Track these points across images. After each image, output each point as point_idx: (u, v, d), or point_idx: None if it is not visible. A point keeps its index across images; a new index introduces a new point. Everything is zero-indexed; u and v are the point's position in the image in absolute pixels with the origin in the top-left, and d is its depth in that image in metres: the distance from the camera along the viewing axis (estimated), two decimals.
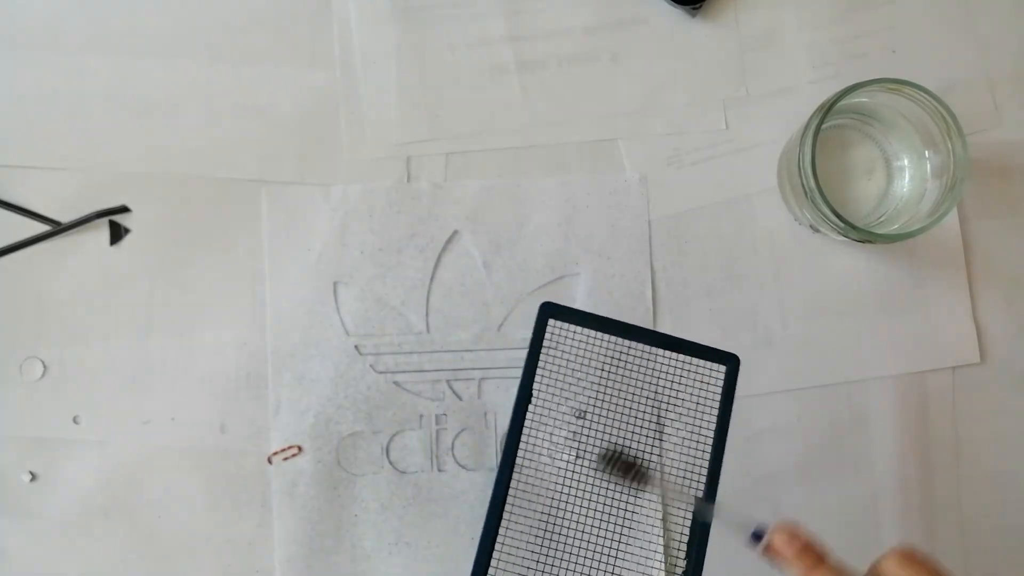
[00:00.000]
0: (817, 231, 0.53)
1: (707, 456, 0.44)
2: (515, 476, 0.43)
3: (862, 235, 0.48)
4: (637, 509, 0.46)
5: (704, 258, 0.54)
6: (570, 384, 0.46)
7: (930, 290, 0.54)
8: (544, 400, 0.45)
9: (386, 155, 0.54)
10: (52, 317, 0.53)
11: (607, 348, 0.46)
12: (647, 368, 0.46)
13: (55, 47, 0.54)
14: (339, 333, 0.53)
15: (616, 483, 0.44)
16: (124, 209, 0.53)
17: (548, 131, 0.54)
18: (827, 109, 0.48)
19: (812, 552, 0.39)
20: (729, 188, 0.54)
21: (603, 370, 0.46)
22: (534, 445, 0.44)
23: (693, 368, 0.46)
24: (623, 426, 0.46)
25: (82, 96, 0.54)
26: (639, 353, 0.46)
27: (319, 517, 0.52)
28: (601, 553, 0.44)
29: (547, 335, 0.45)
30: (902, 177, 0.53)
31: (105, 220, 0.53)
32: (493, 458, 0.53)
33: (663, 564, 0.48)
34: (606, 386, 0.46)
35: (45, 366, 0.52)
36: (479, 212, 0.54)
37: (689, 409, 0.46)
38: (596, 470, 0.44)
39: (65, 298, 0.53)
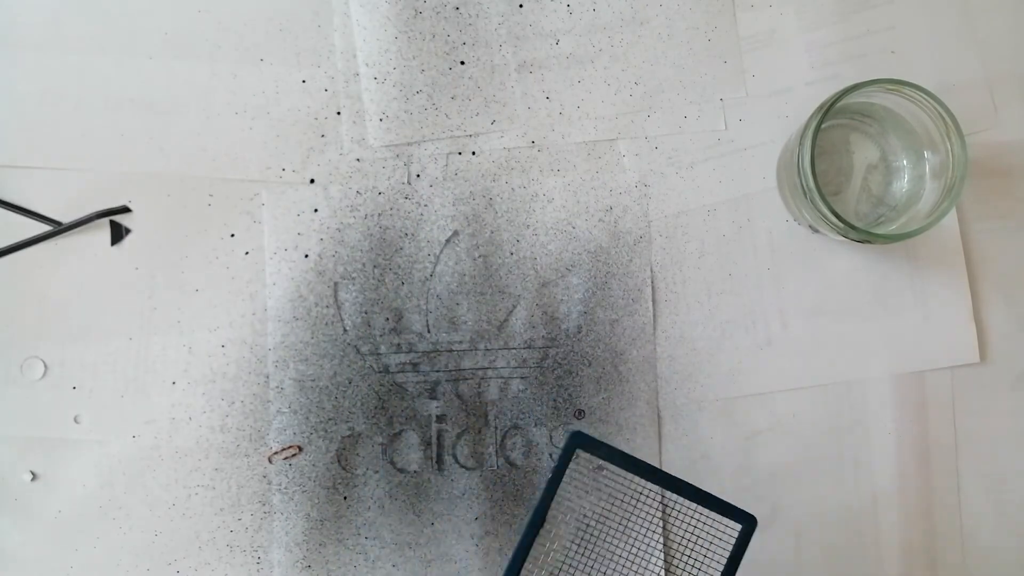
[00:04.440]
0: (816, 231, 0.53)
1: None
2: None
3: (861, 235, 0.48)
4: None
5: (704, 258, 0.54)
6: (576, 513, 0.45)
7: (929, 290, 0.54)
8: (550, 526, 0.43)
9: (386, 155, 0.54)
10: (53, 317, 0.53)
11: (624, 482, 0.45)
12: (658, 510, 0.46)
13: (55, 47, 0.54)
14: (339, 333, 0.53)
15: None
16: (125, 209, 0.53)
17: (548, 131, 0.54)
18: (826, 110, 0.48)
19: None
20: (729, 188, 0.55)
21: (611, 501, 0.45)
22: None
23: (707, 521, 0.44)
24: (618, 565, 0.45)
25: (82, 96, 0.54)
26: (653, 493, 0.45)
27: (319, 517, 0.52)
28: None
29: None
30: (901, 177, 0.53)
31: (106, 220, 0.53)
32: (493, 457, 0.53)
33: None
34: (614, 519, 0.45)
35: (46, 366, 0.53)
36: (479, 212, 0.54)
37: (696, 560, 0.44)
38: None
39: (66, 298, 0.53)
